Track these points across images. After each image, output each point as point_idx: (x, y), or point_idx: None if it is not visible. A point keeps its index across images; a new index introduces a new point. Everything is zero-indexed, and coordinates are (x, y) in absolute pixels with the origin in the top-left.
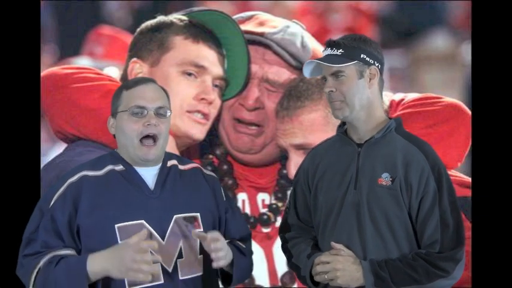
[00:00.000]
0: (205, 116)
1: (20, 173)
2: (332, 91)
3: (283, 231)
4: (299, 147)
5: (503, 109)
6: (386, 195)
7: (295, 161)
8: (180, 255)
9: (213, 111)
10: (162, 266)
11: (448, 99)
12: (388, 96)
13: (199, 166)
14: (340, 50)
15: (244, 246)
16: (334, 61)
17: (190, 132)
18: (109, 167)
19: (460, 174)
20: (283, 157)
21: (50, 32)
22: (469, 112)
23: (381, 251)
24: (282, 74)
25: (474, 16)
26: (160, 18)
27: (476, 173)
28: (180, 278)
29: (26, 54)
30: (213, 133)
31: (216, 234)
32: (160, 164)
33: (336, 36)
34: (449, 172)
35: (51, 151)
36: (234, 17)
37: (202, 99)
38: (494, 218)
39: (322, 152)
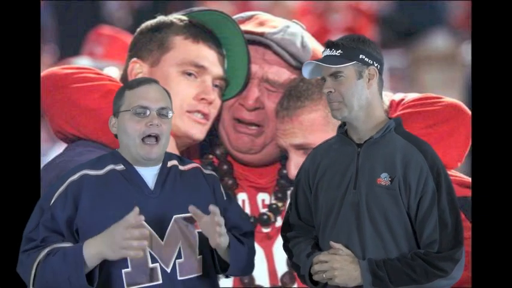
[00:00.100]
0: (205, 116)
1: (20, 173)
2: (331, 92)
3: (284, 230)
4: (299, 147)
5: (503, 109)
6: (385, 195)
7: (295, 161)
8: (179, 256)
9: (213, 111)
10: (160, 266)
11: (448, 99)
12: (388, 96)
13: (199, 166)
14: (339, 51)
15: (242, 237)
16: (332, 62)
17: (190, 132)
18: (110, 167)
19: (460, 174)
20: (283, 157)
21: (50, 32)
22: (469, 112)
23: (380, 251)
24: (282, 74)
25: (474, 16)
26: (160, 18)
27: (476, 173)
28: (179, 278)
29: (26, 54)
30: (213, 133)
31: (216, 209)
32: (160, 164)
33: (335, 37)
34: (449, 172)
35: (51, 151)
36: (234, 17)
37: (202, 99)
38: (494, 218)
39: (322, 152)
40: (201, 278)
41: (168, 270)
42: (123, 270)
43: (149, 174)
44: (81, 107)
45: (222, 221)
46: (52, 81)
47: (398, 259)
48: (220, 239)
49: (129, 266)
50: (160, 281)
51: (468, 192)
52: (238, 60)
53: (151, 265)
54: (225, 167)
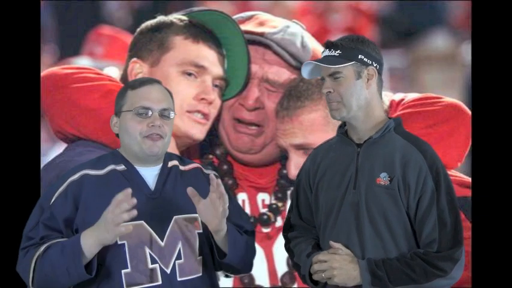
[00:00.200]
0: (205, 116)
1: (20, 173)
2: (330, 92)
3: (286, 231)
4: (299, 147)
5: (503, 109)
6: (384, 195)
7: (295, 161)
8: (178, 257)
9: (213, 111)
10: (160, 267)
11: (448, 99)
12: (388, 96)
13: (200, 166)
14: (338, 51)
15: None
16: (331, 62)
17: (190, 132)
18: (111, 167)
19: (460, 174)
20: (283, 157)
21: (50, 32)
22: (469, 112)
23: (379, 251)
24: (282, 74)
25: (474, 16)
26: (160, 18)
27: (476, 173)
28: (179, 279)
29: (26, 54)
30: (213, 133)
31: (219, 181)
32: (161, 164)
33: (335, 37)
34: (449, 172)
35: (51, 151)
36: (234, 17)
37: (202, 99)
38: (494, 218)
39: (323, 152)
40: (200, 278)
41: (168, 271)
42: (123, 271)
43: (150, 175)
44: (81, 107)
45: (226, 196)
46: (52, 81)
47: (397, 259)
48: (223, 213)
49: (129, 266)
50: (160, 282)
51: (468, 192)
52: (238, 60)
53: (150, 266)
54: (225, 167)
